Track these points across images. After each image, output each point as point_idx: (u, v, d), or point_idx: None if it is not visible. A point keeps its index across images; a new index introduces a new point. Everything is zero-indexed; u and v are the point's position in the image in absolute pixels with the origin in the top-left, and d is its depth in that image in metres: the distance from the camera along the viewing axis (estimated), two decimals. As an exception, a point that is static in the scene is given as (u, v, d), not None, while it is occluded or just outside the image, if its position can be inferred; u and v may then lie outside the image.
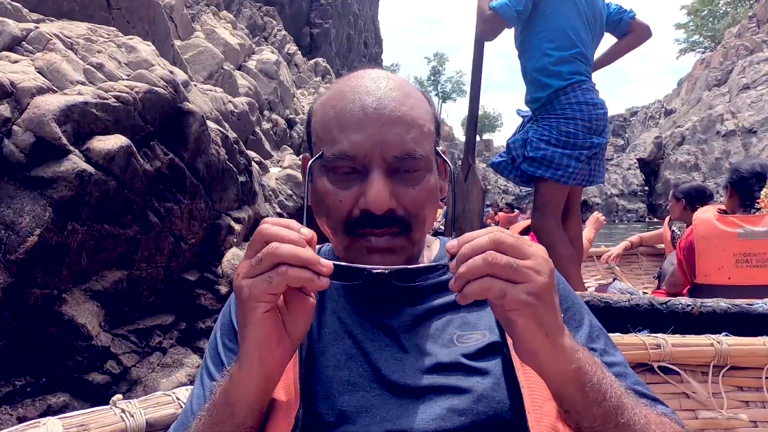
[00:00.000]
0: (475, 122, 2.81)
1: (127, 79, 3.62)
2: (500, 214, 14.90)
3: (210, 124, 3.67)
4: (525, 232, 3.73)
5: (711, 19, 44.98)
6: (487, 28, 2.58)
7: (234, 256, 4.14)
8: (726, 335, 1.29)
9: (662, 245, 4.32)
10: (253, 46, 6.30)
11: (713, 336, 1.27)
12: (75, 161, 2.81)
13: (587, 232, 3.82)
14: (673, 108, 28.41)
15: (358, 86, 0.77)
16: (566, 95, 2.54)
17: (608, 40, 2.88)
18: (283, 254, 0.57)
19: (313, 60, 6.33)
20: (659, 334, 1.27)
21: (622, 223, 22.12)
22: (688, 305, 1.64)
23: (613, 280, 3.54)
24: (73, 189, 2.79)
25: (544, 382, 0.67)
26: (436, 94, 62.55)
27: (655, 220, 22.21)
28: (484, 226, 2.57)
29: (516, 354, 0.65)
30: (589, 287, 3.58)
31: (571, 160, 2.53)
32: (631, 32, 2.74)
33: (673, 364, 1.25)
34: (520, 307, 0.56)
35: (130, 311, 3.40)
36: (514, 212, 14.93)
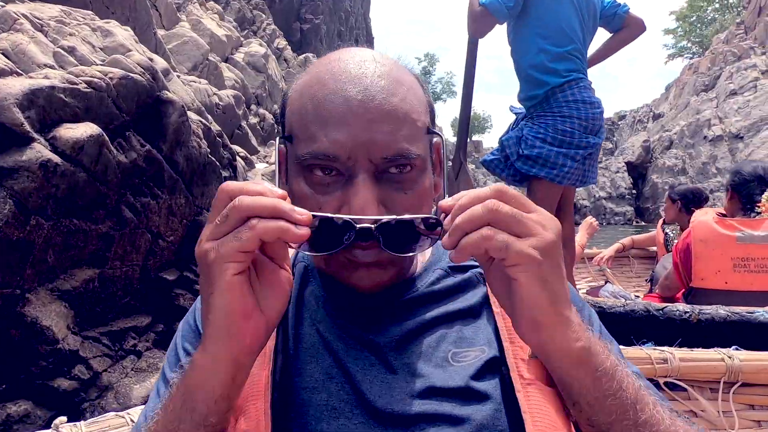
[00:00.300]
0: (467, 120, 2.72)
1: (101, 64, 3.45)
2: None
3: (191, 115, 3.52)
4: None
5: (699, 25, 45.43)
6: (478, 25, 2.50)
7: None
8: (737, 349, 1.18)
9: (654, 248, 4.27)
10: (241, 38, 6.15)
11: (723, 350, 1.16)
12: (39, 150, 2.64)
13: (580, 237, 3.74)
14: (662, 112, 28.58)
15: (341, 72, 0.65)
16: (563, 93, 2.47)
17: (601, 35, 2.81)
18: (251, 206, 0.50)
19: (303, 55, 6.16)
20: (666, 348, 1.16)
21: (610, 225, 22.20)
22: (686, 312, 1.54)
23: (605, 282, 3.45)
24: (37, 180, 2.63)
25: (549, 406, 0.59)
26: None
27: (642, 223, 22.31)
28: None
29: (517, 332, 0.56)
30: (580, 290, 3.50)
31: (567, 159, 2.46)
32: (625, 27, 2.67)
33: (680, 380, 1.14)
34: (524, 261, 0.50)
35: (102, 312, 3.24)
36: None
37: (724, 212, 2.48)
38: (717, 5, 43.80)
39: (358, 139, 0.61)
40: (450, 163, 2.74)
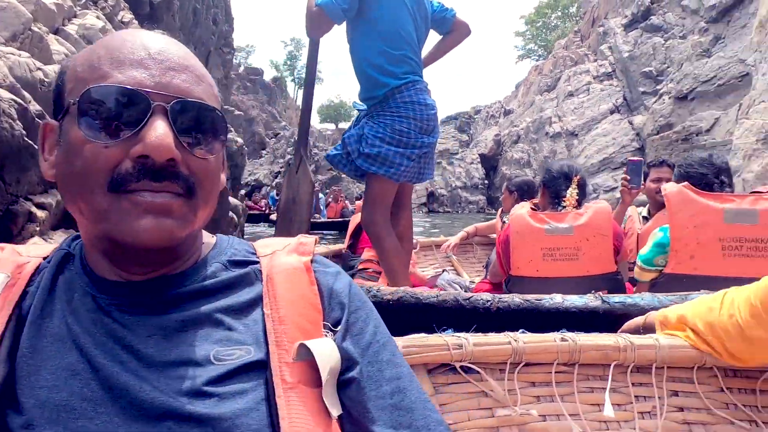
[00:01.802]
0: (308, 117, 2.73)
1: None
2: (357, 203, 15.14)
3: (1, 92, 3.11)
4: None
5: (545, 30, 49.77)
6: (314, 26, 2.52)
7: (38, 247, 3.58)
8: (523, 332, 1.33)
9: (495, 235, 4.62)
10: (75, 8, 5.56)
11: (511, 334, 1.29)
12: None
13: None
14: (512, 109, 31.02)
15: (136, 33, 0.63)
16: (401, 94, 2.57)
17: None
18: None
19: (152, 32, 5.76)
20: (462, 334, 1.27)
21: (464, 213, 23.73)
22: (488, 301, 1.70)
23: (443, 271, 3.69)
24: None
25: (309, 411, 0.60)
26: (292, 80, 61.53)
27: (493, 211, 24.14)
28: (313, 216, 2.46)
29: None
30: (427, 275, 3.70)
31: (403, 159, 2.57)
32: (453, 30, 2.84)
33: (474, 363, 1.25)
34: None
35: None
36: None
37: (536, 206, 2.75)
38: (560, 13, 48.29)
39: (157, 80, 0.59)
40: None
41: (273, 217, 14.15)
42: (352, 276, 3.29)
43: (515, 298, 1.70)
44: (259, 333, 0.66)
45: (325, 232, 13.18)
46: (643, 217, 3.30)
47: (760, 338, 1.10)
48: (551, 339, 1.29)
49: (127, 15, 5.97)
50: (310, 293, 0.71)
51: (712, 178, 2.27)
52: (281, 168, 27.88)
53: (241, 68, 45.79)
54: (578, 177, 2.67)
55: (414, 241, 4.58)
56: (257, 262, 0.74)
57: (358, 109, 2.78)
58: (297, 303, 0.69)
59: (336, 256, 3.64)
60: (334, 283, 0.75)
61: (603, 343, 1.28)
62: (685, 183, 2.22)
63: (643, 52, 22.11)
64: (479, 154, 25.58)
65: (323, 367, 0.63)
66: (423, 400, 0.71)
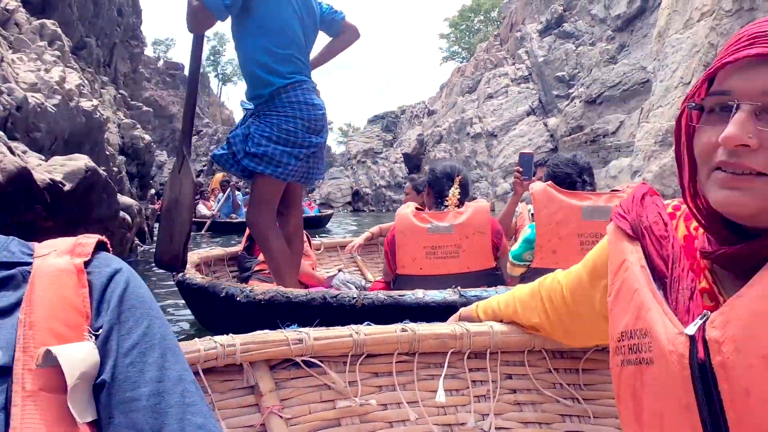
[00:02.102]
0: (192, 116, 2.68)
1: None
2: None
3: None
4: None
5: (468, 33, 51.18)
6: (195, 21, 2.48)
7: None
8: (368, 324, 1.38)
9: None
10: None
11: (354, 327, 1.34)
12: None
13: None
14: (435, 109, 31.69)
15: None
16: (287, 94, 2.58)
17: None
18: None
19: (41, 21, 5.33)
20: (303, 329, 1.30)
21: (389, 212, 24.01)
22: (354, 298, 1.76)
23: (339, 271, 3.73)
24: None
25: (45, 421, 0.59)
26: (216, 75, 59.79)
27: (418, 210, 24.61)
28: (191, 216, 2.41)
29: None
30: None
31: (290, 158, 2.58)
32: (342, 33, 2.88)
33: (315, 357, 1.29)
34: None
35: None
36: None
37: (421, 206, 2.85)
38: (482, 17, 49.82)
39: None
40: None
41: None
42: (248, 278, 3.27)
43: (379, 295, 1.77)
44: (11, 338, 0.64)
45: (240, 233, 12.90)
46: (532, 214, 3.49)
47: (573, 323, 1.19)
48: (392, 330, 1.35)
49: (12, 2, 5.54)
50: (74, 296, 0.69)
51: (575, 177, 2.44)
52: (204, 166, 27.06)
53: (161, 62, 43.99)
54: (460, 177, 2.79)
55: (318, 242, 4.61)
56: (29, 264, 0.72)
57: (245, 108, 2.77)
58: (55, 307, 0.67)
59: (232, 258, 3.60)
60: (108, 283, 0.73)
61: (440, 331, 1.35)
62: (549, 182, 2.38)
63: (557, 57, 23.22)
64: (403, 154, 25.98)
65: (70, 373, 0.61)
66: (187, 404, 0.68)
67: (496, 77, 25.82)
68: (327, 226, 14.05)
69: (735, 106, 0.67)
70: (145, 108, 9.91)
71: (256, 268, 3.29)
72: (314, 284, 3.26)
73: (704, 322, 0.71)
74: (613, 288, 0.90)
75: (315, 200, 17.78)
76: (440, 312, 1.81)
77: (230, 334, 1.25)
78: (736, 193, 0.67)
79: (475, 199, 2.88)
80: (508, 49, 28.49)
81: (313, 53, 2.82)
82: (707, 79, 0.72)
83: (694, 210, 0.78)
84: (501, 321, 1.39)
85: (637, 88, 18.84)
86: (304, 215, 11.33)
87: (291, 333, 1.28)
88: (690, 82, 14.65)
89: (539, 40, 24.55)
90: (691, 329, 0.72)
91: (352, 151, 28.43)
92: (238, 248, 3.64)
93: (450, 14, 51.80)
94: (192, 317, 3.20)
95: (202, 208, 13.68)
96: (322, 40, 2.97)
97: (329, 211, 16.43)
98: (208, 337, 1.23)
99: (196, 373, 1.18)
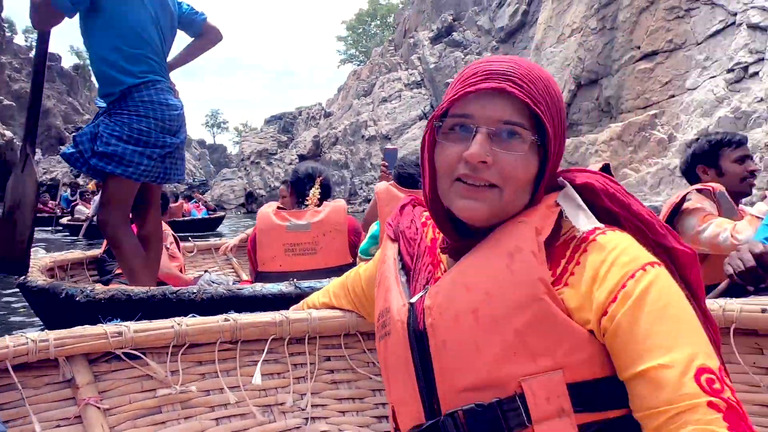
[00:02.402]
0: (36, 113, 2.58)
1: None
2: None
3: None
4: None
5: (365, 36, 51.87)
6: (40, 16, 2.40)
7: None
8: (193, 316, 1.47)
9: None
10: None
11: (177, 318, 1.42)
12: None
13: None
14: (332, 111, 31.83)
15: None
16: (139, 93, 2.55)
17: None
18: None
19: None
20: (124, 323, 1.36)
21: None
22: (194, 293, 1.83)
23: (205, 272, 3.74)
24: None
25: None
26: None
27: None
28: (33, 217, 2.33)
29: None
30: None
31: (143, 158, 2.56)
32: (203, 34, 2.90)
33: (136, 349, 1.35)
34: None
35: None
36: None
37: (282, 205, 2.95)
38: (378, 22, 50.72)
39: None
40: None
41: (65, 220, 12.79)
42: (108, 281, 3.18)
43: (219, 289, 1.85)
44: None
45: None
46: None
47: (372, 308, 1.35)
48: (215, 320, 1.44)
49: None
50: None
51: (417, 177, 2.66)
52: (83, 167, 25.12)
53: (33, 52, 40.33)
54: (321, 177, 2.92)
55: (191, 244, 4.56)
56: None
57: (99, 106, 2.71)
58: None
59: (93, 262, 3.48)
60: None
61: (261, 320, 1.46)
62: (392, 182, 2.58)
63: (447, 64, 24.26)
64: (298, 155, 25.85)
65: None
66: None
67: (390, 81, 26.46)
68: (219, 229, 13.68)
69: (475, 129, 0.81)
70: (6, 102, 9.10)
71: (117, 272, 3.21)
72: (180, 285, 3.24)
73: (424, 295, 0.89)
74: (377, 279, 1.08)
75: (206, 201, 17.17)
76: (279, 303, 1.92)
77: (45, 330, 1.29)
78: (474, 202, 0.82)
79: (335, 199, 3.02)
80: (401, 54, 29.30)
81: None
82: (451, 103, 0.86)
83: (432, 213, 0.94)
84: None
85: (518, 97, 20.09)
86: (191, 218, 10.95)
87: (110, 327, 1.33)
88: (562, 92, 15.99)
89: (431, 47, 25.50)
90: (412, 300, 0.90)
91: (246, 151, 27.82)
92: (99, 251, 3.52)
93: (348, 17, 52.05)
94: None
95: (83, 209, 12.84)
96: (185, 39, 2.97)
97: (221, 213, 15.94)
98: (20, 333, 1.25)
99: (5, 370, 1.20)
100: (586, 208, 0.84)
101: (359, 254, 2.64)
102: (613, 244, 0.78)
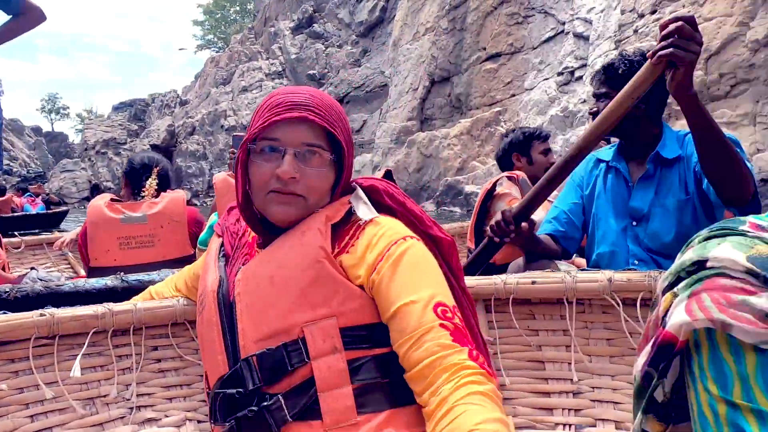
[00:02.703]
0: None
1: None
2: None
3: None
4: None
5: (223, 22, 49.78)
6: None
7: None
8: (5, 313, 1.41)
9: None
10: None
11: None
12: None
13: None
14: (188, 99, 30.23)
15: None
16: None
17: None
18: None
19: None
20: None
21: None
22: (6, 291, 1.73)
23: (32, 269, 3.46)
24: None
25: None
26: None
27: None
28: None
29: None
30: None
31: None
32: (23, 13, 2.69)
33: None
34: None
35: None
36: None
37: (119, 197, 2.83)
38: (238, 8, 48.93)
39: None
40: None
41: None
42: None
43: (36, 286, 1.76)
44: None
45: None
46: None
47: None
48: (29, 316, 1.40)
49: None
50: None
51: None
52: None
53: None
54: (158, 168, 2.84)
55: (18, 239, 4.16)
56: None
57: None
58: None
59: None
60: None
61: (81, 313, 1.44)
62: (230, 172, 2.60)
63: (308, 55, 24.21)
64: (151, 145, 24.27)
65: None
66: None
67: (250, 71, 25.80)
68: (63, 225, 12.35)
69: (284, 150, 0.98)
70: None
71: None
72: (2, 284, 2.98)
73: (238, 272, 1.06)
74: (202, 269, 1.22)
75: (47, 195, 15.39)
76: (104, 298, 1.87)
77: None
78: (286, 207, 1.00)
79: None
80: (262, 43, 28.66)
81: None
82: (262, 129, 0.99)
83: (245, 215, 1.10)
84: None
85: (378, 91, 20.79)
86: (24, 213, 9.87)
87: None
88: (417, 88, 16.81)
89: (292, 37, 25.26)
90: (223, 274, 1.09)
91: (91, 140, 25.44)
92: None
93: (204, 0, 49.48)
94: None
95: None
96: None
97: (63, 208, 14.26)
98: None
99: None
100: (369, 203, 1.06)
101: (198, 245, 2.64)
102: (384, 223, 1.02)
